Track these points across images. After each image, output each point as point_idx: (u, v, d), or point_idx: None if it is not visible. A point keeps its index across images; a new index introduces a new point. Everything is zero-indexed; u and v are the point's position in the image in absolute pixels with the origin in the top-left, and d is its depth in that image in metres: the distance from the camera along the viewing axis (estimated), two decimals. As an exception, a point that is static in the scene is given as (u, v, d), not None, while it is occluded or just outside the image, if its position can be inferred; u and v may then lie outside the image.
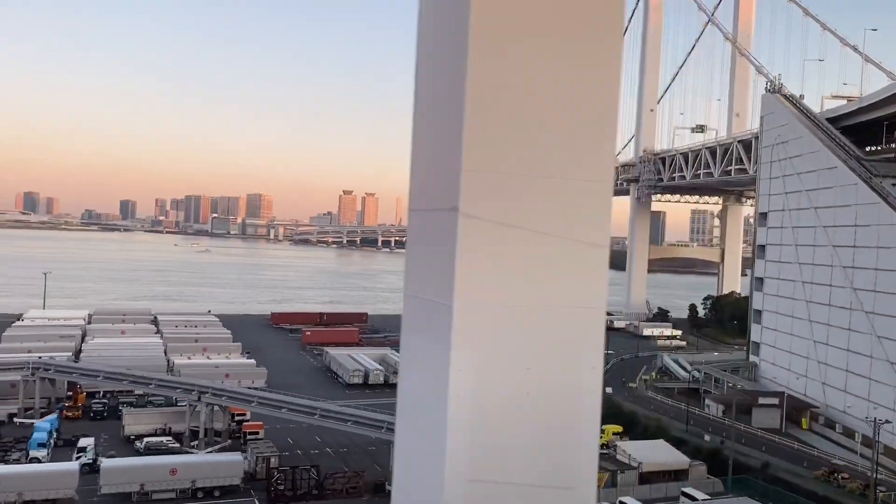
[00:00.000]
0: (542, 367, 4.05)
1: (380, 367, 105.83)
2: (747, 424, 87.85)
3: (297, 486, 61.35)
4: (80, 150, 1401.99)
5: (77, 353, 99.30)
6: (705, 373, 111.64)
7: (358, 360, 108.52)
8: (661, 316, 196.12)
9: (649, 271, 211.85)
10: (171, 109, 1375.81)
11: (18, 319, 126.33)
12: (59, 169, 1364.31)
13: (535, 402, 4.01)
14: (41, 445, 64.32)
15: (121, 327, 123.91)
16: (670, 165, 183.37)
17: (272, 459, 64.81)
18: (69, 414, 78.93)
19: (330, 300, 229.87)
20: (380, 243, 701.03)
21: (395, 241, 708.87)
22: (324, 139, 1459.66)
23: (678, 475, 69.30)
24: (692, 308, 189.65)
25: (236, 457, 62.89)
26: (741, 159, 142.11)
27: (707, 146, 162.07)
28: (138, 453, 67.09)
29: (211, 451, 68.91)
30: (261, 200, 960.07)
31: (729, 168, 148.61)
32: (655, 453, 71.28)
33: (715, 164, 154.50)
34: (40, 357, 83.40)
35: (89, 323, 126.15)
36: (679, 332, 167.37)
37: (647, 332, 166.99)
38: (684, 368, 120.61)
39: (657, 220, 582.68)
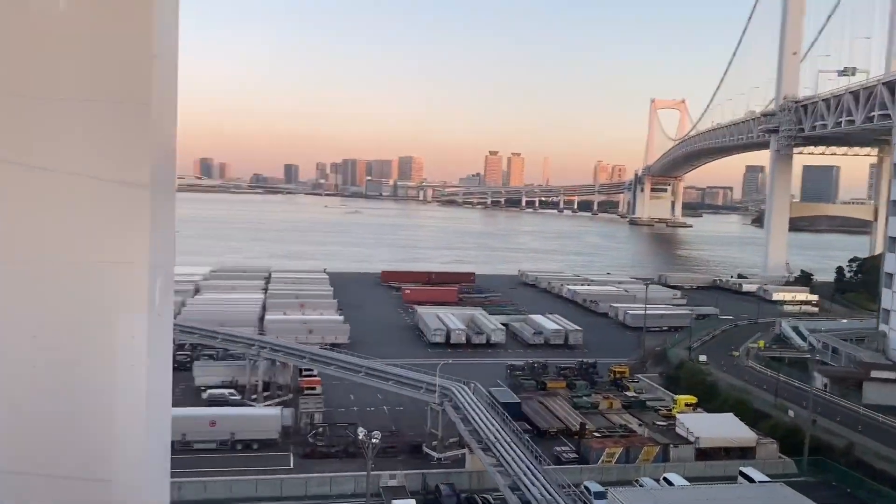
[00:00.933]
0: (52, 336, 3.37)
1: (462, 328, 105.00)
2: (854, 401, 78.67)
3: (333, 444, 62.09)
4: (249, 119, 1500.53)
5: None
6: (822, 342, 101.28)
7: (442, 319, 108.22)
8: (804, 279, 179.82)
9: (799, 230, 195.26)
10: (328, 78, 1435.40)
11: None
12: (231, 136, 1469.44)
13: (45, 378, 3.37)
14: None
15: (233, 283, 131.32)
16: (812, 113, 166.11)
17: (316, 416, 66.01)
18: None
19: (455, 259, 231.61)
20: (524, 203, 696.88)
21: (540, 201, 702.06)
22: (472, 100, 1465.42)
23: (744, 453, 63.20)
24: (839, 271, 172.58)
25: (274, 412, 64.66)
26: (884, 104, 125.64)
27: (850, 90, 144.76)
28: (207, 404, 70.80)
29: (268, 405, 71.31)
30: (411, 163, 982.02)
31: (872, 114, 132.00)
32: (719, 428, 65.33)
33: (857, 109, 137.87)
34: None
35: (206, 279, 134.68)
36: (813, 298, 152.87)
37: (777, 296, 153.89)
38: (802, 337, 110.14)
39: (828, 175, 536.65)
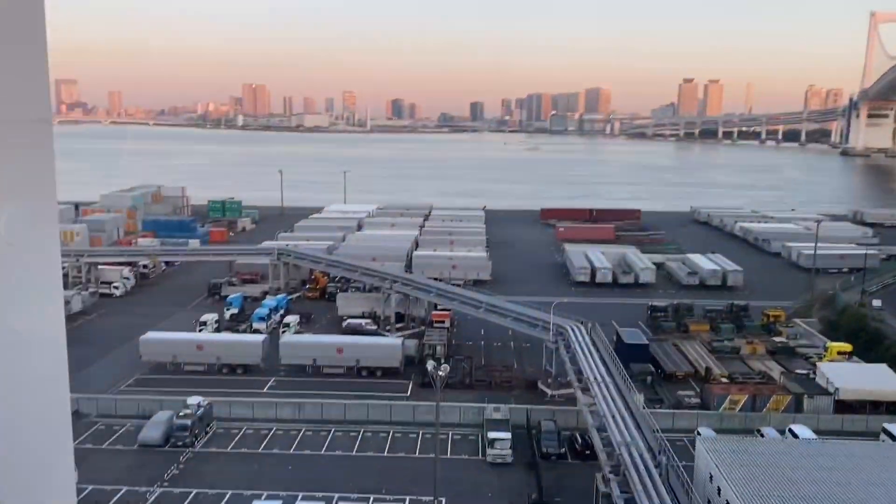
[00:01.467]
0: None
1: (608, 266, 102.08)
2: None
3: (450, 375, 63.92)
4: (437, 60, 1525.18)
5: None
6: None
7: (589, 257, 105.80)
8: None
9: None
10: (511, 10, 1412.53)
11: (318, 212, 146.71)
12: (420, 77, 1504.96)
13: None
14: (261, 319, 76.10)
15: (393, 220, 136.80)
16: None
17: (437, 348, 68.18)
18: (309, 294, 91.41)
19: (630, 196, 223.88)
20: (720, 135, 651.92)
21: (738, 132, 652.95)
22: (665, 22, 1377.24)
23: (893, 408, 56.81)
24: None
25: (395, 342, 67.48)
26: None
27: None
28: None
29: (399, 335, 74.68)
30: (599, 94, 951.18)
31: None
32: (865, 379, 58.95)
33: None
34: (289, 245, 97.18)
35: (370, 217, 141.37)
36: None
37: None
38: None
39: None
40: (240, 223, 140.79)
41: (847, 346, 69.71)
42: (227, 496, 45.79)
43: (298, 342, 66.85)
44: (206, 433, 53.34)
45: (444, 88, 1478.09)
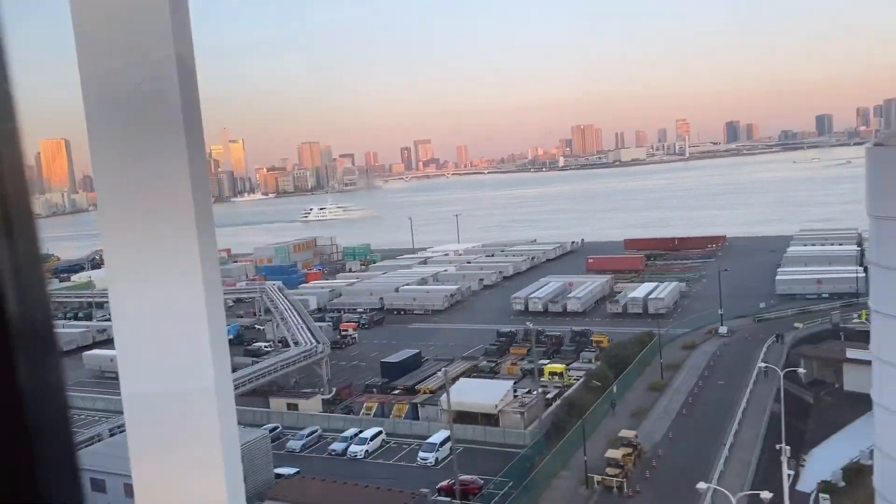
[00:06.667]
0: None
1: (539, 297, 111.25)
2: None
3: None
4: (777, 75, 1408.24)
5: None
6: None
7: (537, 287, 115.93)
8: None
9: None
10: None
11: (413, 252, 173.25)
12: (756, 95, 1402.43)
13: None
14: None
15: (453, 260, 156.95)
16: None
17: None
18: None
19: None
20: None
21: None
22: None
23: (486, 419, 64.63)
24: None
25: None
26: None
27: None
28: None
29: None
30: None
31: None
32: (476, 393, 66.79)
33: None
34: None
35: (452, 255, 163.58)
36: None
37: None
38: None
39: None
40: (347, 265, 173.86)
41: (560, 368, 75.01)
42: None
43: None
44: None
45: (786, 104, 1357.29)
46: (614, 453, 52.39)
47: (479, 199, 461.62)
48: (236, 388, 71.86)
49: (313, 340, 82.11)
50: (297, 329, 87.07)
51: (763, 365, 64.53)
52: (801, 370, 58.63)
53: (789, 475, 42.42)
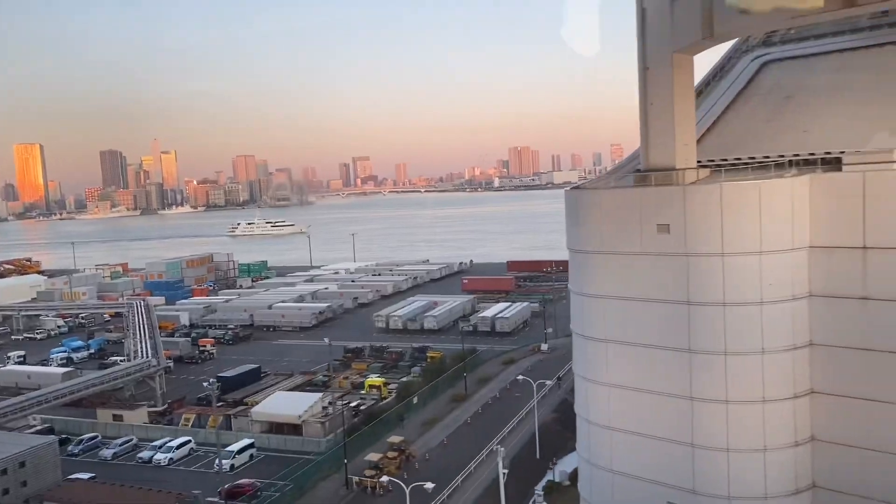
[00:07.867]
0: None
1: (399, 315, 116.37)
2: None
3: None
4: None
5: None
6: None
7: (403, 306, 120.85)
8: None
9: None
10: None
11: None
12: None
13: None
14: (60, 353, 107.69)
15: (339, 278, 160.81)
16: None
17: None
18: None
19: None
20: None
21: None
22: None
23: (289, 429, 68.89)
24: None
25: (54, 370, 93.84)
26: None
27: None
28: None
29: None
30: None
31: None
32: (285, 405, 71.16)
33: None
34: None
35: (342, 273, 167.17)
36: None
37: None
38: None
39: None
40: (239, 282, 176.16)
41: (379, 381, 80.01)
42: None
43: (12, 371, 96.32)
44: None
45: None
46: (373, 456, 57.24)
47: (402, 217, 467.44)
48: (57, 398, 74.74)
49: (150, 356, 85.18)
50: (140, 345, 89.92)
51: (521, 377, 70.48)
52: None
53: (504, 474, 47.63)
